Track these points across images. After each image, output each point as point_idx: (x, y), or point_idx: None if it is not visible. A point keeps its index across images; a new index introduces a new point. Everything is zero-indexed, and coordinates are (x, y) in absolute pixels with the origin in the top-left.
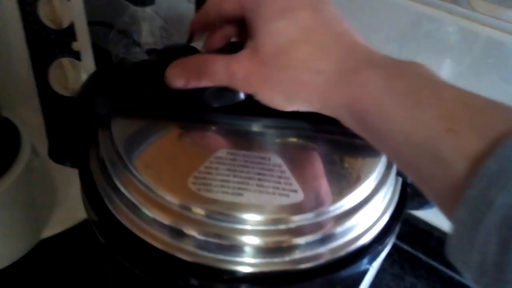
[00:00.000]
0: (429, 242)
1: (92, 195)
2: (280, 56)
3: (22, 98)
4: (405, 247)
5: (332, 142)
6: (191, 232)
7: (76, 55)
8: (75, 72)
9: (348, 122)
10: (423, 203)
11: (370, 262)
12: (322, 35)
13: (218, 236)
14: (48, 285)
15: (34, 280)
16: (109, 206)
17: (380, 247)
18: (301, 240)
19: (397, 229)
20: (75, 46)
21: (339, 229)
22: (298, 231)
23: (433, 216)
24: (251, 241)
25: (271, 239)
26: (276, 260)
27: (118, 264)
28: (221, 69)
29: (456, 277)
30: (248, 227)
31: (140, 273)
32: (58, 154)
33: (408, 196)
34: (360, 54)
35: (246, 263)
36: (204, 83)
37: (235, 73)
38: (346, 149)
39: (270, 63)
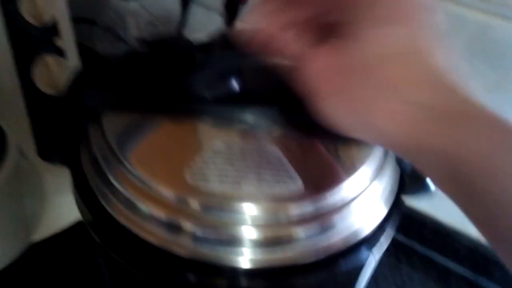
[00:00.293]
0: (423, 232)
1: (84, 193)
2: (369, 69)
3: (6, 99)
4: (400, 238)
5: (329, 131)
6: (188, 225)
7: (60, 52)
8: (60, 70)
9: (427, 166)
10: (419, 188)
11: (371, 249)
12: (423, 60)
13: (216, 228)
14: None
15: (26, 285)
16: (103, 203)
17: (380, 235)
18: (301, 230)
19: (396, 217)
20: (59, 43)
21: (338, 217)
22: (298, 221)
23: (428, 206)
24: (250, 232)
25: (270, 230)
26: (276, 251)
27: (114, 263)
28: (296, 46)
29: (452, 267)
30: (247, 217)
31: (137, 271)
32: (47, 152)
33: (406, 183)
34: (465, 96)
35: (246, 256)
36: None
37: (307, 59)
38: (343, 137)
39: (354, 73)
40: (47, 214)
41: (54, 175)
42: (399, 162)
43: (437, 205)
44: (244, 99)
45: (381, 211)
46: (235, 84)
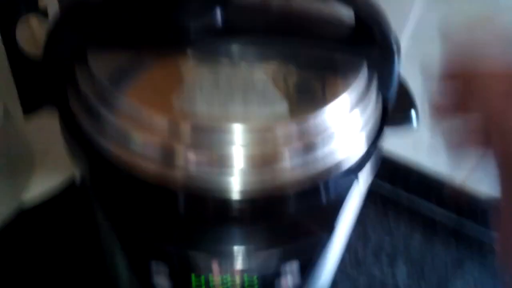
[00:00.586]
0: (409, 179)
1: (75, 132)
2: None
3: None
4: (387, 187)
5: (313, 58)
6: (179, 149)
7: (44, 12)
8: (43, 30)
9: None
10: (402, 121)
11: (355, 175)
12: None
13: (206, 150)
14: (31, 255)
15: (16, 251)
16: (93, 141)
17: (364, 163)
18: (286, 151)
19: (380, 148)
20: (42, 2)
21: (322, 141)
22: (284, 142)
23: (413, 153)
24: (238, 152)
25: (257, 150)
26: (263, 174)
27: (110, 209)
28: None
29: (437, 214)
30: (235, 138)
31: (132, 209)
32: (33, 105)
33: (389, 112)
34: None
35: (235, 180)
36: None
37: None
38: (327, 63)
39: None
40: (36, 174)
41: (42, 137)
42: (383, 93)
43: (422, 154)
44: (229, 32)
45: (365, 139)
46: (220, 16)
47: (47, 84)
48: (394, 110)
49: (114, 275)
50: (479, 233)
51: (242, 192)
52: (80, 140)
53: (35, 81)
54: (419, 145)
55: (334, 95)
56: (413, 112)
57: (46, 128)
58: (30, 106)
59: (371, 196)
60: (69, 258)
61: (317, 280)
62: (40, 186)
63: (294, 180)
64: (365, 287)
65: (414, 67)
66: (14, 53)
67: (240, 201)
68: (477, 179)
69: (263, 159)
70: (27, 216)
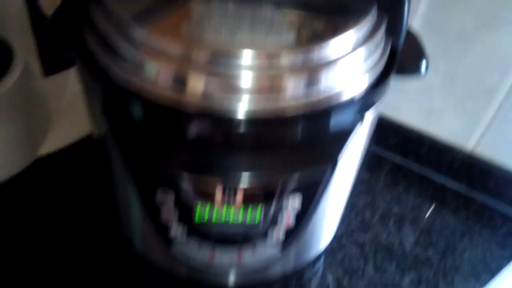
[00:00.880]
0: (420, 150)
1: (92, 67)
2: None
3: (14, 21)
4: (397, 157)
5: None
6: (192, 75)
7: None
8: None
9: None
10: (410, 69)
11: (357, 113)
12: None
13: (216, 74)
14: (45, 202)
15: (31, 197)
16: (110, 73)
17: (368, 101)
18: (292, 77)
19: (386, 88)
20: None
21: (326, 72)
22: (289, 68)
23: (424, 123)
24: (246, 77)
25: (264, 75)
26: (269, 99)
27: (123, 138)
28: None
29: (447, 183)
30: (243, 62)
31: (143, 134)
32: (52, 65)
33: (397, 61)
34: None
35: (243, 103)
36: None
37: None
38: (337, 2)
39: None
40: (53, 129)
41: (60, 96)
42: (393, 39)
43: (434, 123)
44: None
45: (370, 79)
46: None
47: (65, 26)
48: (403, 57)
49: (125, 217)
50: (490, 201)
51: (248, 113)
52: (96, 72)
53: (55, 31)
54: (431, 114)
55: (341, 31)
56: (423, 61)
57: (63, 89)
58: (49, 67)
59: (381, 165)
60: (80, 203)
61: (319, 224)
62: (55, 142)
63: (298, 106)
64: (372, 252)
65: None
66: (36, 14)
67: (246, 122)
68: (489, 146)
69: (269, 84)
70: (42, 164)
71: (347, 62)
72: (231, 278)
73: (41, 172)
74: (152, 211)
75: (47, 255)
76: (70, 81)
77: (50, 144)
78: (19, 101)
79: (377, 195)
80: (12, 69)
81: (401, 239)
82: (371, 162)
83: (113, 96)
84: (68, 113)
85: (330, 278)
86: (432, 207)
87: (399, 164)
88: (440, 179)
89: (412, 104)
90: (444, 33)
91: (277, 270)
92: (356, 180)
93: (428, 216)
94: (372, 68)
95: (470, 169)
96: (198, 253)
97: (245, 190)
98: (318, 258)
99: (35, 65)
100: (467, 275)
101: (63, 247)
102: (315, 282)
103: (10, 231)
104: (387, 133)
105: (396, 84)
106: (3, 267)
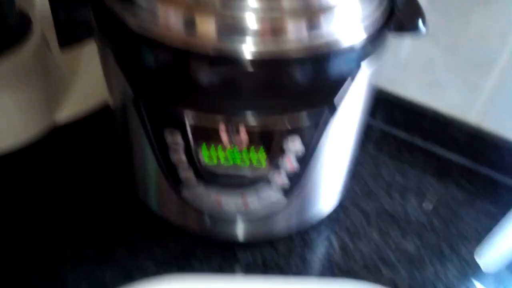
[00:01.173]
0: (423, 124)
1: (108, 17)
2: None
3: None
4: (401, 132)
5: None
6: (201, 18)
7: None
8: None
9: None
10: (410, 27)
11: (355, 60)
12: None
13: (225, 17)
14: (61, 170)
15: (49, 163)
16: (125, 22)
17: (366, 51)
18: (292, 21)
19: (383, 41)
20: None
21: (326, 18)
22: (290, 12)
23: (427, 97)
24: (251, 19)
25: (267, 18)
26: (273, 39)
27: (134, 82)
28: None
29: (452, 157)
30: (250, 4)
31: (152, 76)
32: (68, 38)
33: (396, 18)
34: None
35: (248, 45)
36: None
37: None
38: None
39: None
40: (69, 98)
41: (75, 68)
42: None
43: (437, 96)
44: None
45: (368, 30)
46: None
47: None
48: (402, 16)
49: (140, 171)
50: (493, 173)
51: (252, 54)
52: (111, 22)
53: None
54: (433, 87)
55: None
56: (420, 20)
57: (79, 61)
58: (64, 38)
59: (385, 139)
60: (97, 169)
61: (322, 176)
62: (72, 109)
63: (300, 49)
64: (375, 218)
65: None
66: None
67: (250, 62)
68: (491, 117)
69: (272, 26)
70: (59, 132)
71: (347, 9)
72: (239, 231)
73: (58, 140)
74: (162, 153)
75: (64, 217)
76: (84, 54)
77: (67, 110)
78: (36, 69)
79: (382, 167)
80: (30, 37)
81: (406, 208)
82: (375, 137)
83: (126, 41)
84: (84, 82)
85: (334, 239)
86: (436, 179)
87: (403, 138)
88: (443, 152)
89: (414, 78)
90: (444, 5)
91: (282, 225)
92: (359, 149)
93: (432, 188)
94: (372, 21)
95: (473, 141)
96: (207, 197)
97: (247, 129)
98: (322, 222)
99: (52, 37)
100: (472, 241)
101: (80, 210)
102: (319, 241)
103: (30, 194)
104: (392, 108)
105: (399, 60)
106: (22, 230)
